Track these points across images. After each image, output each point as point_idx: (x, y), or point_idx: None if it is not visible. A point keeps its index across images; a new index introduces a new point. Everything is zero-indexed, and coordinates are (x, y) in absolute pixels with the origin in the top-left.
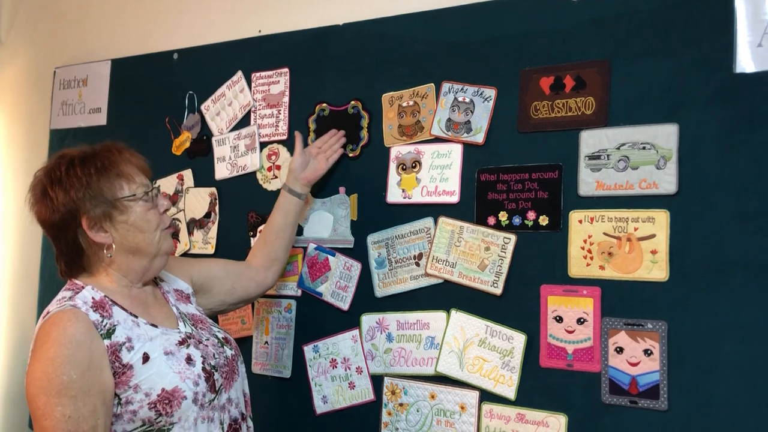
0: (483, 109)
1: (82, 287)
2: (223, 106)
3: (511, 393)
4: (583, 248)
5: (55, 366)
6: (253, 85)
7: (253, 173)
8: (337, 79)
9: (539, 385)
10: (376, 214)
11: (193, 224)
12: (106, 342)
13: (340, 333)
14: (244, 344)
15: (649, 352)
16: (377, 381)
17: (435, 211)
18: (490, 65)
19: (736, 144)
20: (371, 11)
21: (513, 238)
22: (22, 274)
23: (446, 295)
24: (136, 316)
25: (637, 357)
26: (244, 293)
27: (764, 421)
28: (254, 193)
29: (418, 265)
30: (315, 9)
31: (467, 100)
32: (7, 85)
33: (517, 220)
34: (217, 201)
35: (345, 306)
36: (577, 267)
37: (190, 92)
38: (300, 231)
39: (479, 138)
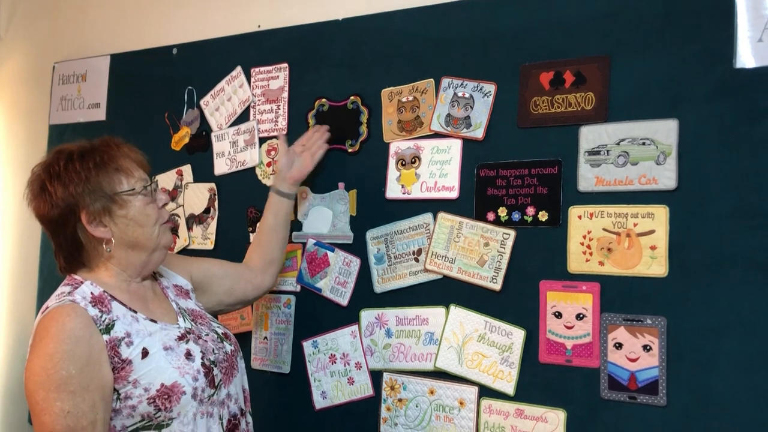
0: (482, 104)
1: (81, 282)
2: (222, 102)
3: (510, 388)
4: (582, 244)
5: (54, 361)
6: (252, 80)
7: (253, 169)
8: (336, 75)
9: (538, 381)
10: (376, 209)
11: (193, 220)
12: (105, 337)
13: (339, 328)
14: (244, 340)
15: (648, 347)
16: (376, 376)
17: (434, 206)
18: (489, 60)
19: (736, 140)
20: (370, 6)
21: (512, 233)
22: (21, 269)
23: (445, 291)
24: (135, 312)
25: (636, 353)
26: (242, 295)
27: (763, 416)
28: (253, 189)
29: (417, 260)
30: (314, 4)
31: (467, 95)
32: (5, 80)
33: (516, 216)
34: (217, 196)
35: (344, 301)
36: (576, 263)
37: (190, 87)
38: (299, 226)
39: (479, 133)
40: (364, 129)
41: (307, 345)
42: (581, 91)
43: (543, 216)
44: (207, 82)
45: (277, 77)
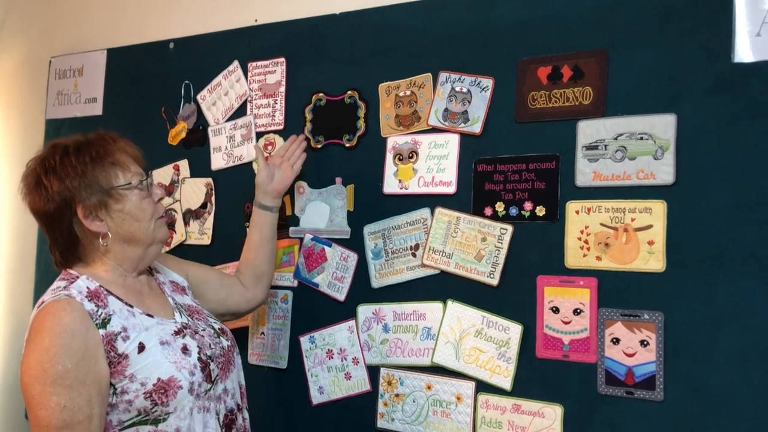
0: (480, 99)
1: (77, 277)
2: (219, 96)
3: (507, 384)
4: (579, 239)
5: (50, 355)
6: (249, 74)
7: (250, 163)
8: (333, 69)
9: (535, 376)
10: (373, 204)
11: (189, 215)
12: (102, 331)
13: (336, 324)
14: (241, 335)
15: (645, 342)
16: (373, 372)
17: (432, 201)
18: (487, 55)
19: (734, 134)
20: (368, 0)
21: (510, 228)
22: (18, 264)
23: (443, 286)
24: (131, 306)
25: (634, 348)
26: (235, 307)
27: (760, 411)
28: (250, 184)
29: (414, 255)
30: None
31: (464, 90)
32: (2, 75)
33: (513, 211)
34: (213, 191)
35: (341, 297)
36: (573, 258)
37: (186, 82)
38: (296, 221)
39: (476, 128)
40: (361, 124)
41: (304, 340)
42: (579, 85)
43: (540, 211)
44: (204, 76)
45: (274, 72)
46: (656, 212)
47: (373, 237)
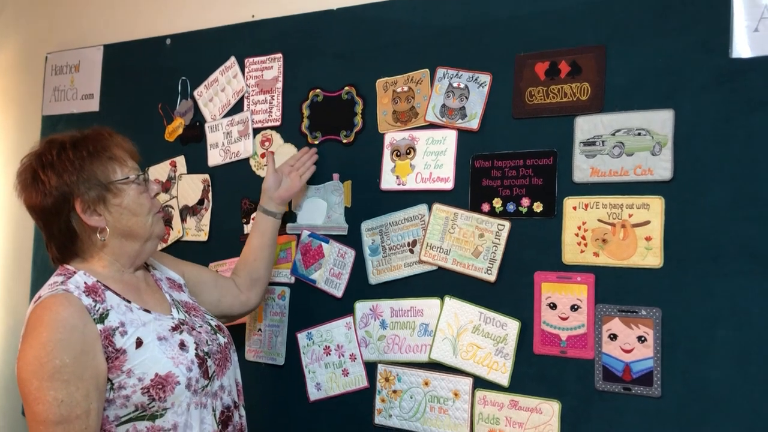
0: (478, 94)
1: (74, 272)
2: (216, 92)
3: (504, 380)
4: (577, 235)
5: (47, 350)
6: (246, 70)
7: (246, 160)
8: (330, 65)
9: (533, 372)
10: (370, 200)
11: (186, 211)
12: (99, 326)
13: (333, 320)
14: (238, 332)
15: (642, 338)
16: (371, 368)
17: (429, 197)
18: (485, 50)
19: (732, 130)
20: None
21: (507, 224)
22: (14, 259)
23: (440, 282)
24: (129, 301)
25: (631, 344)
26: (228, 309)
27: (757, 407)
28: (247, 180)
29: (412, 252)
30: None
31: (462, 85)
32: None
33: (511, 207)
34: (210, 188)
35: (339, 293)
36: (571, 254)
37: (183, 78)
38: (294, 218)
39: (474, 124)
40: (358, 120)
41: (301, 337)
42: (577, 81)
43: (538, 207)
44: (201, 72)
45: (271, 67)
46: (654, 208)
47: (370, 233)
